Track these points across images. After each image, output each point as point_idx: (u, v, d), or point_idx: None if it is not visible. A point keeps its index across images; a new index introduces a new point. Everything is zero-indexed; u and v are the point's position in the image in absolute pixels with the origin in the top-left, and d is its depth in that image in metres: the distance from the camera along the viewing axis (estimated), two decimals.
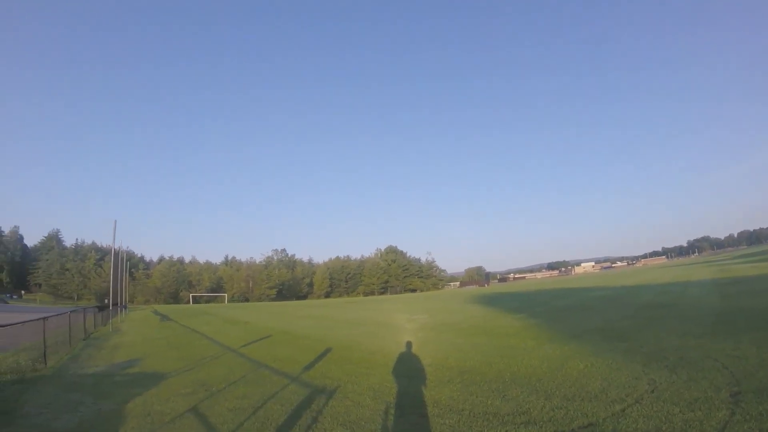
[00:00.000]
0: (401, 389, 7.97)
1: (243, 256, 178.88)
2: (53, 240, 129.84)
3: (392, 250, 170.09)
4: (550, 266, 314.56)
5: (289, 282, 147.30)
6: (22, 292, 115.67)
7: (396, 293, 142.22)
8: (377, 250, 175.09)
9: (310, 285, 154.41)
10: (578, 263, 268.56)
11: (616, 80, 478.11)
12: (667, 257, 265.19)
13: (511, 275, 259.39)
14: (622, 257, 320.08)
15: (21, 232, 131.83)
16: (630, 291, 29.54)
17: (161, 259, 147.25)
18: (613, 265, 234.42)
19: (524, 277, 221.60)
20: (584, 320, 15.58)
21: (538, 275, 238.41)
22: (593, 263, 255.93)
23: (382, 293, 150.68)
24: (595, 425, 5.11)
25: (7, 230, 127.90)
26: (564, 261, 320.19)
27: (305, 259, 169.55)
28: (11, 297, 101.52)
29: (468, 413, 6.18)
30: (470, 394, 7.20)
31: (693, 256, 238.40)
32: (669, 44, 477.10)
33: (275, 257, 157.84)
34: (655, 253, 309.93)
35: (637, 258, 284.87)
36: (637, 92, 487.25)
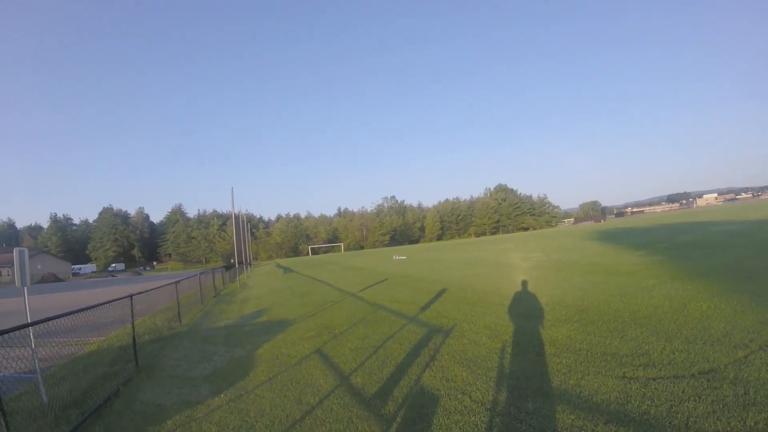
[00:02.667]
0: (518, 328, 8.03)
1: (355, 206, 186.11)
2: (177, 213, 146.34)
3: (502, 189, 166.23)
4: (670, 199, 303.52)
5: (400, 228, 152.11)
6: (154, 263, 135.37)
7: (508, 233, 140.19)
8: (486, 189, 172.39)
9: (422, 229, 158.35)
10: (700, 195, 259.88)
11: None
12: None
13: (629, 209, 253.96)
14: (746, 188, 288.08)
15: (146, 211, 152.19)
16: (758, 226, 26.56)
17: (279, 218, 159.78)
18: (737, 197, 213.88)
19: (643, 211, 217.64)
20: (709, 257, 14.55)
21: (658, 209, 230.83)
22: (716, 195, 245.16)
23: (493, 233, 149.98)
24: (716, 371, 4.93)
25: (133, 212, 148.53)
26: (685, 193, 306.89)
27: (415, 204, 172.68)
28: (144, 269, 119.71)
29: (585, 353, 6.13)
30: (588, 333, 7.13)
31: None
32: None
33: (386, 205, 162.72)
34: None
35: (762, 189, 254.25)
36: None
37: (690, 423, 3.87)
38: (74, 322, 6.07)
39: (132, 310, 8.56)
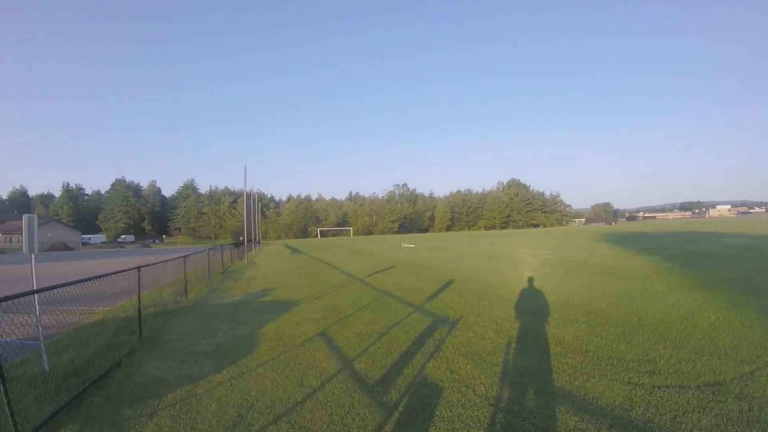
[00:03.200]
0: (524, 324, 8.04)
1: (366, 191, 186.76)
2: (189, 189, 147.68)
3: (515, 184, 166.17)
4: (683, 207, 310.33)
5: (410, 216, 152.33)
6: (164, 236, 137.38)
7: (518, 228, 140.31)
8: (499, 183, 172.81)
9: (432, 219, 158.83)
10: (713, 205, 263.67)
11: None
12: None
13: (641, 214, 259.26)
14: (761, 202, 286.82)
15: (158, 185, 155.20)
16: None
17: (290, 198, 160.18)
18: (751, 211, 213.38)
19: (654, 217, 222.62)
20: (719, 269, 14.50)
21: (670, 216, 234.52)
22: (729, 206, 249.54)
23: (503, 228, 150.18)
24: (721, 384, 4.91)
25: (145, 185, 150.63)
26: (698, 202, 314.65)
27: (426, 193, 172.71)
28: (153, 241, 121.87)
29: (592, 355, 6.11)
30: (594, 335, 7.13)
31: None
32: None
33: (397, 192, 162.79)
34: None
35: None
36: None
37: None
38: (80, 291, 6.06)
39: (139, 282, 8.59)
